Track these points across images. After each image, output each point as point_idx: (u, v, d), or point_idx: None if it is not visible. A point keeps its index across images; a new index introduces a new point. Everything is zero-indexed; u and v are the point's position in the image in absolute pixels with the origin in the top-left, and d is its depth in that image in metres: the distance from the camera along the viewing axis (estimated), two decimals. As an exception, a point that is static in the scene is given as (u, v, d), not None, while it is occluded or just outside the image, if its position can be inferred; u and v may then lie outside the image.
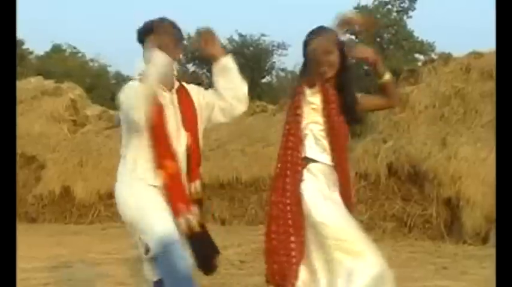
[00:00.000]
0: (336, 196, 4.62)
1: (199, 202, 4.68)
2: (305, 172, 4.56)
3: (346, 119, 4.66)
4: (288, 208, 4.52)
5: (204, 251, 4.59)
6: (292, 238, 4.51)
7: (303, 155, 4.56)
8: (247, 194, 13.79)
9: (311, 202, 4.49)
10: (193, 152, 4.60)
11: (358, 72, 41.07)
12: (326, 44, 4.57)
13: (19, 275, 8.49)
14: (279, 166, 4.62)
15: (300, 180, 4.53)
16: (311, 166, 4.57)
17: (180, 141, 4.57)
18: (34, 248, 10.98)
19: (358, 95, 4.81)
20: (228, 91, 4.75)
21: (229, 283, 8.31)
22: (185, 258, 4.48)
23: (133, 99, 4.35)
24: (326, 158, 4.60)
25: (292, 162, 4.56)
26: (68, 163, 14.94)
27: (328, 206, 4.51)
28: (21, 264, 9.45)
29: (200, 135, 4.73)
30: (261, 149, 13.79)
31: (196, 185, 4.65)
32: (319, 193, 4.52)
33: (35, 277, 8.60)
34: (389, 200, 11.95)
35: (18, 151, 15.40)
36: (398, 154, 11.90)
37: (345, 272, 4.36)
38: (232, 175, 13.85)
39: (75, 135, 15.74)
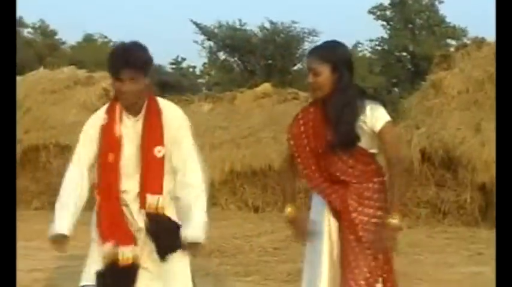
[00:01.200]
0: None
1: (152, 234, 4.51)
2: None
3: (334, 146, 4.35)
4: None
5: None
6: None
7: None
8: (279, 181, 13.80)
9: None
10: (144, 180, 4.44)
11: (388, 60, 40.94)
12: (315, 65, 4.40)
13: (56, 263, 8.62)
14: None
15: None
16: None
17: (137, 166, 4.47)
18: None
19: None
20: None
21: (263, 269, 8.34)
22: None
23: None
24: None
25: None
26: (101, 152, 15.04)
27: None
28: (57, 252, 9.56)
29: (161, 163, 4.49)
30: (293, 136, 13.78)
31: (141, 214, 4.48)
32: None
33: (71, 265, 8.67)
34: (423, 186, 11.89)
35: (52, 140, 15.54)
36: (431, 140, 11.83)
37: None
38: (264, 163, 13.85)
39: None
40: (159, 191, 4.44)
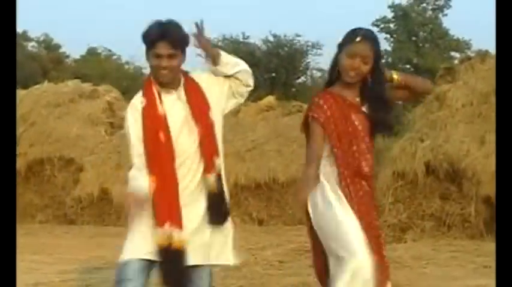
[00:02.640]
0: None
1: (215, 197, 4.57)
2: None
3: (376, 128, 4.65)
4: None
5: (173, 270, 4.55)
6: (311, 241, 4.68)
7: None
8: (284, 194, 13.80)
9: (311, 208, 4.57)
10: (206, 144, 4.51)
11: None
12: (367, 53, 4.52)
13: (59, 277, 8.62)
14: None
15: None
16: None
17: (191, 135, 4.52)
18: (74, 250, 11.09)
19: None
20: (234, 67, 4.74)
21: (268, 283, 8.32)
22: None
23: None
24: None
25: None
26: (106, 165, 15.05)
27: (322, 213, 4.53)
28: (61, 266, 9.58)
29: (218, 125, 4.63)
30: (297, 149, 13.79)
31: (211, 178, 4.54)
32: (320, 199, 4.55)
33: (76, 278, 8.68)
34: (428, 199, 11.87)
35: (56, 154, 15.56)
36: (436, 153, 11.82)
37: (342, 271, 4.37)
38: (269, 176, 13.87)
39: (112, 137, 15.84)
40: (218, 153, 4.59)
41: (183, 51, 4.56)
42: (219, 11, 77.86)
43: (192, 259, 4.52)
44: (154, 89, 4.54)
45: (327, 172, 4.56)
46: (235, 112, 16.21)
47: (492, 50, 13.51)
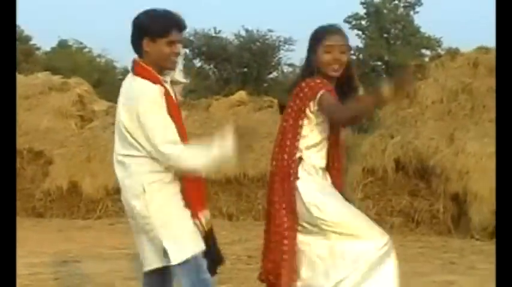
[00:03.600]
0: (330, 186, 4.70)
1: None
2: (300, 170, 4.61)
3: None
4: (284, 206, 4.59)
5: (212, 255, 4.58)
6: (285, 241, 4.60)
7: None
8: (254, 189, 13.80)
9: (307, 199, 4.56)
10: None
11: (363, 70, 41.13)
12: (343, 43, 4.63)
13: (28, 270, 8.57)
14: (274, 163, 4.69)
15: (296, 179, 4.59)
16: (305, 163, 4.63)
17: None
18: (42, 243, 11.03)
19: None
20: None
21: (236, 277, 8.34)
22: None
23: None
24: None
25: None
26: (76, 158, 14.96)
27: (326, 201, 4.57)
28: (30, 259, 9.52)
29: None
30: (268, 145, 13.76)
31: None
32: (315, 190, 4.60)
33: (44, 272, 8.64)
34: (397, 195, 11.96)
35: (26, 146, 15.43)
36: (405, 149, 11.90)
37: (348, 256, 4.50)
38: (239, 170, 13.85)
39: (83, 130, 15.76)
40: None
41: None
42: (191, 4, 77.64)
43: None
44: (160, 77, 4.50)
45: (317, 164, 4.65)
46: (206, 107, 16.18)
47: (462, 48, 13.64)
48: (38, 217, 14.89)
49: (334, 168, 4.73)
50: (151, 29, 4.43)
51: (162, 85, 4.43)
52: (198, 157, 4.42)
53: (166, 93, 4.43)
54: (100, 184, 14.23)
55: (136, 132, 4.37)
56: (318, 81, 4.55)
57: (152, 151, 4.35)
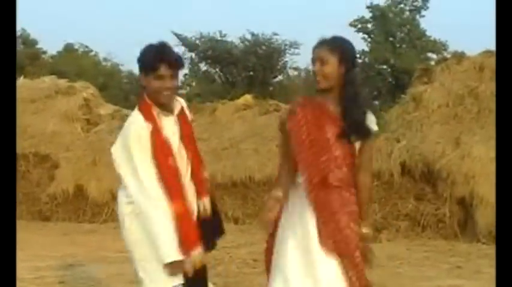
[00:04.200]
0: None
1: (209, 220, 4.67)
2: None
3: (350, 133, 4.49)
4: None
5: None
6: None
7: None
8: (260, 193, 13.78)
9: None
10: (196, 169, 4.60)
11: (369, 73, 41.12)
12: (322, 54, 4.50)
13: (33, 274, 8.58)
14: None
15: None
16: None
17: (182, 160, 4.57)
18: (48, 247, 11.03)
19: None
20: None
21: (242, 281, 8.33)
22: None
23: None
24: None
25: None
26: (81, 162, 14.98)
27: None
28: (35, 262, 9.53)
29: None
30: (274, 148, 13.78)
31: (205, 202, 4.65)
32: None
33: (50, 275, 8.64)
34: (403, 199, 11.93)
35: (32, 149, 15.46)
36: (411, 153, 11.87)
37: None
38: (245, 174, 13.85)
39: (89, 134, 15.78)
40: (205, 191, 4.73)
41: (179, 72, 4.62)
42: (197, 9, 77.74)
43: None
44: (154, 112, 4.52)
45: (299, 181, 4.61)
46: (212, 110, 16.18)
47: (468, 51, 13.61)
48: (44, 221, 14.91)
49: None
50: (143, 64, 4.53)
51: (154, 121, 4.48)
52: (153, 221, 4.40)
53: (155, 131, 4.45)
54: (106, 188, 14.24)
55: (119, 162, 4.54)
56: (294, 105, 4.65)
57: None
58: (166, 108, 4.56)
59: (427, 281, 8.31)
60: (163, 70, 4.44)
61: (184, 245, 4.40)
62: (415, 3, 42.86)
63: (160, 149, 4.44)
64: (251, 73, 40.08)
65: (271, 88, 39.96)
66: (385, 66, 42.27)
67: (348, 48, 4.57)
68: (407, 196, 11.92)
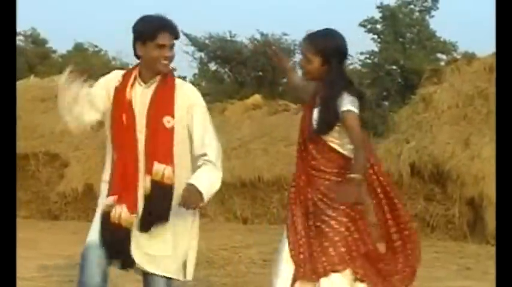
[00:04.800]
0: None
1: (147, 201, 4.51)
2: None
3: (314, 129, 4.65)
4: None
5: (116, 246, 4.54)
6: None
7: None
8: (269, 193, 13.80)
9: None
10: (149, 147, 4.47)
11: (378, 73, 41.07)
12: (305, 51, 4.70)
13: (42, 272, 8.59)
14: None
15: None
16: None
17: (140, 131, 4.49)
18: (57, 246, 11.05)
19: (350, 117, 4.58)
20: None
21: (251, 281, 8.33)
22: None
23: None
24: None
25: None
26: (91, 160, 15.00)
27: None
28: (44, 261, 9.54)
29: (180, 136, 4.57)
30: (283, 148, 13.80)
31: (146, 180, 4.48)
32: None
33: (59, 274, 8.65)
34: (412, 200, 11.90)
35: (42, 148, 15.51)
36: (421, 154, 11.85)
37: None
38: (254, 174, 13.86)
39: (98, 133, 15.77)
40: (167, 161, 4.46)
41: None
42: (206, 8, 77.74)
43: (142, 265, 4.59)
44: (134, 73, 4.56)
45: None
46: (222, 110, 16.20)
47: (478, 52, 13.59)
48: (53, 219, 14.94)
49: None
50: (141, 33, 4.50)
51: (126, 81, 4.53)
52: None
53: (120, 89, 4.53)
54: (115, 187, 14.25)
55: None
56: None
57: None
58: (147, 78, 4.55)
59: (436, 282, 8.29)
60: (162, 39, 4.46)
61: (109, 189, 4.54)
62: (425, 4, 42.70)
63: (116, 104, 4.52)
64: (260, 73, 40.03)
65: (280, 88, 39.91)
66: (394, 67, 42.12)
67: (333, 45, 4.69)
68: (417, 196, 11.90)
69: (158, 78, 4.55)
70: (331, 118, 4.54)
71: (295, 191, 4.77)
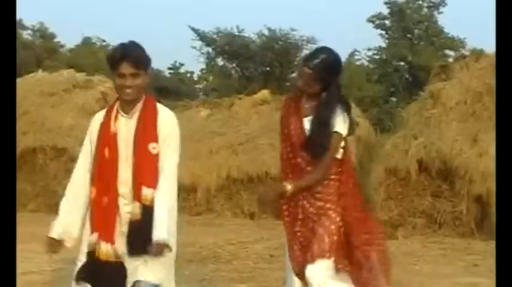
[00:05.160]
0: None
1: (134, 226, 4.60)
2: None
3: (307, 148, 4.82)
4: None
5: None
6: None
7: None
8: (276, 188, 13.80)
9: None
10: (137, 173, 4.59)
11: (386, 70, 41.02)
12: (306, 77, 4.81)
13: (51, 266, 8.61)
14: None
15: None
16: None
17: (127, 160, 4.62)
18: (65, 240, 11.05)
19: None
20: None
21: (258, 276, 8.34)
22: None
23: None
24: None
25: None
26: (98, 155, 15.02)
27: None
28: (54, 255, 9.54)
29: (165, 159, 4.66)
30: (290, 144, 13.79)
31: (134, 206, 4.58)
32: None
33: (68, 268, 8.65)
34: (419, 196, 11.88)
35: (49, 143, 15.52)
36: (428, 150, 11.83)
37: None
38: (261, 169, 13.86)
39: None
40: (153, 185, 4.56)
41: (146, 71, 4.66)
42: (214, 3, 77.75)
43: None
44: (116, 106, 4.71)
45: None
46: (229, 105, 16.20)
47: (487, 48, 13.57)
48: (61, 214, 14.96)
49: None
50: (107, 62, 4.67)
51: (109, 116, 4.69)
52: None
53: (104, 124, 4.67)
54: (122, 182, 14.28)
55: None
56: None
57: None
58: (128, 108, 4.67)
59: (444, 279, 8.29)
60: (123, 68, 4.54)
61: (89, 227, 4.65)
62: (433, 0, 42.65)
63: (100, 139, 4.66)
64: (268, 68, 40.05)
65: (287, 84, 39.89)
66: (402, 63, 42.11)
67: (332, 69, 4.83)
68: (424, 193, 11.88)
69: (139, 106, 4.67)
70: (327, 141, 4.73)
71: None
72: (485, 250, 10.24)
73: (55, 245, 4.72)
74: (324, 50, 4.90)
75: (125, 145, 4.61)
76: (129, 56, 4.54)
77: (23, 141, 15.58)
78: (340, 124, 4.75)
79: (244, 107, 16.07)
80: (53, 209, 16.50)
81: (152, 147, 4.58)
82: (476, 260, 9.52)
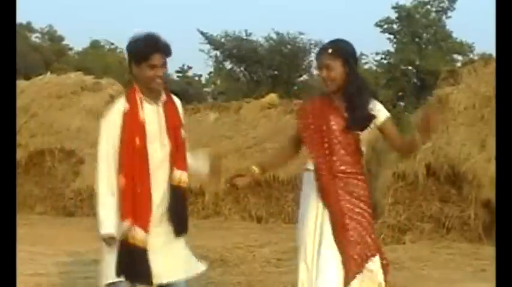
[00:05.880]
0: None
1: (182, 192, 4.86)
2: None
3: (353, 124, 4.93)
4: None
5: (133, 268, 4.71)
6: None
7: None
8: (283, 192, 13.79)
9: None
10: (175, 152, 4.80)
11: (394, 74, 40.98)
12: (327, 61, 4.93)
13: (58, 269, 8.64)
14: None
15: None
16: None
17: (163, 148, 4.79)
18: (73, 242, 11.09)
19: (382, 116, 5.03)
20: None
21: (266, 280, 8.33)
22: None
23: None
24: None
25: None
26: (107, 158, 15.03)
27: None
28: (60, 258, 9.58)
29: (185, 143, 4.93)
30: (298, 148, 13.78)
31: (182, 174, 4.82)
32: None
33: (75, 270, 8.69)
34: (427, 201, 11.85)
35: (58, 145, 15.57)
36: (437, 155, 11.79)
37: None
38: (269, 173, 13.84)
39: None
40: (184, 167, 4.85)
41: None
42: (222, 7, 77.78)
43: (166, 276, 4.80)
44: (137, 96, 4.78)
45: (311, 171, 5.04)
46: (237, 109, 16.21)
47: (495, 53, 13.53)
48: (68, 216, 15.00)
49: None
50: (135, 54, 4.78)
51: (134, 104, 4.74)
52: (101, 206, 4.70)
53: (130, 112, 4.72)
54: (130, 184, 14.28)
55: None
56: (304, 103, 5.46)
57: None
58: (153, 97, 4.81)
59: (451, 284, 8.27)
60: (156, 59, 4.69)
61: (120, 215, 4.65)
62: (441, 4, 42.63)
63: (128, 128, 4.70)
64: (276, 72, 40.10)
65: (295, 87, 39.95)
66: (410, 67, 42.10)
67: (347, 49, 5.01)
68: (432, 197, 11.85)
69: (163, 95, 4.86)
70: (369, 118, 4.92)
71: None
72: (493, 255, 10.19)
73: (111, 241, 4.70)
74: (335, 39, 5.09)
75: (160, 130, 4.77)
76: (162, 48, 4.72)
77: (31, 143, 15.64)
78: (383, 110, 5.00)
79: (252, 111, 16.08)
80: (60, 211, 16.63)
81: (182, 132, 4.88)
82: (484, 265, 9.48)
